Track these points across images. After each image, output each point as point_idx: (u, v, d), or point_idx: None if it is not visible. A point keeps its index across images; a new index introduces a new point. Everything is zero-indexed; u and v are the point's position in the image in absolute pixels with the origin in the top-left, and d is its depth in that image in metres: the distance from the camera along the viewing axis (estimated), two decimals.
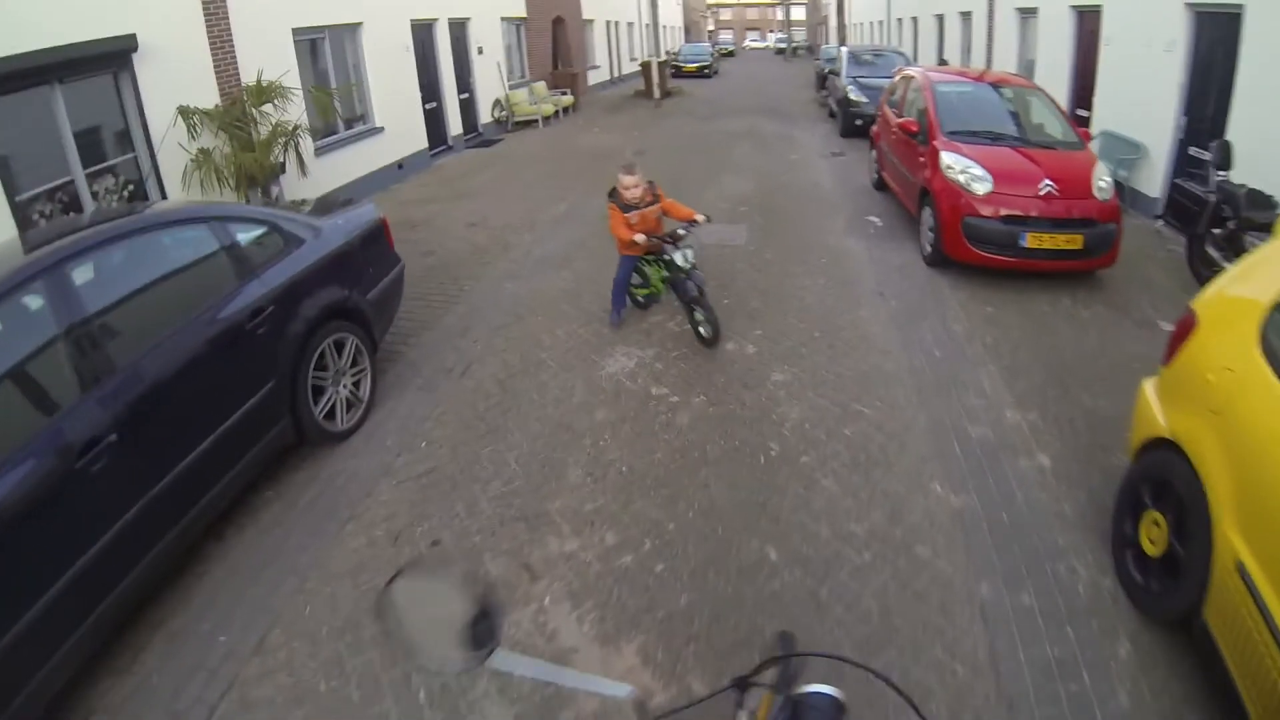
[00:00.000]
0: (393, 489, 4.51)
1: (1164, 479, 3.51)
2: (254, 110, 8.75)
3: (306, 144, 9.87)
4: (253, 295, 4.27)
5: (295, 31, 10.28)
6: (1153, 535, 3.54)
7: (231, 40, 9.00)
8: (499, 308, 7.28)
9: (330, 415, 4.86)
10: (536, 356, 6.21)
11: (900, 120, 9.33)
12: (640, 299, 6.87)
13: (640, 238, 5.89)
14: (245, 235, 4.51)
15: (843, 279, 7.90)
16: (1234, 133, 7.82)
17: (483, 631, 1.11)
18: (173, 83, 8.09)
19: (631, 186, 5.99)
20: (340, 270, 5.00)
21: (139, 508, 3.30)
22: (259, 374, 4.21)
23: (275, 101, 8.94)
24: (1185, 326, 3.68)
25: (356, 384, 5.12)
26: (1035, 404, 5.42)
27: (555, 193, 11.72)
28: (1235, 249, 6.77)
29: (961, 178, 7.53)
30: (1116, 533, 3.88)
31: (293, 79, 9.64)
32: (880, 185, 11.06)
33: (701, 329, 6.16)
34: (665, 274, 6.23)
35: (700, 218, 6.08)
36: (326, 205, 6.21)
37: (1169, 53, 9.21)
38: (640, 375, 5.96)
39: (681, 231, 6.01)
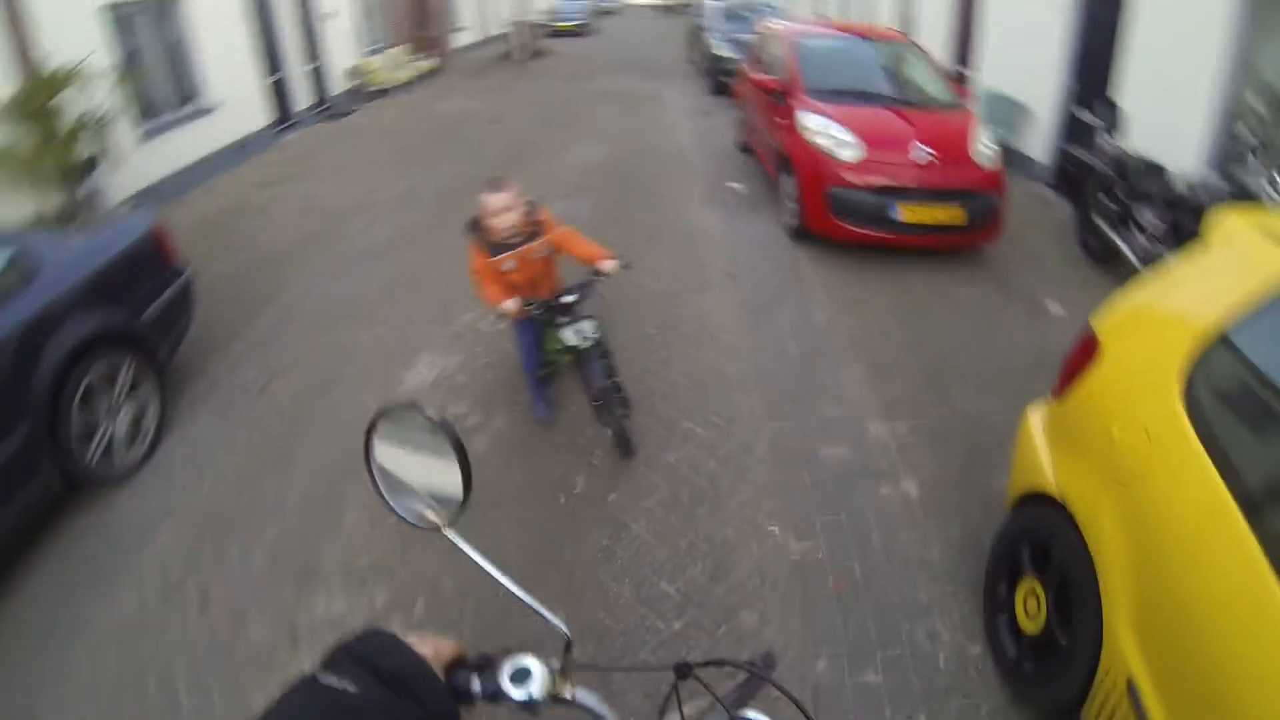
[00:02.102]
0: (171, 534, 4.11)
1: (1046, 544, 2.89)
2: (49, 101, 7.87)
3: (125, 132, 9.10)
4: None
5: (107, 8, 9.27)
6: (1030, 609, 2.93)
7: (29, 22, 8.00)
8: (313, 310, 6.66)
9: (109, 454, 4.45)
10: (338, 369, 5.64)
11: (758, 77, 8.70)
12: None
13: (510, 304, 4.03)
14: None
15: (691, 259, 7.23)
16: (1124, 94, 7.50)
17: (449, 501, 1.17)
18: None
19: (500, 212, 4.02)
20: (102, 294, 4.58)
21: None
22: (1, 425, 3.80)
23: (74, 89, 8.07)
24: (1084, 352, 2.97)
25: (138, 416, 4.70)
26: (905, 412, 4.83)
27: (400, 169, 10.98)
28: (1126, 221, 6.44)
29: (825, 142, 6.94)
30: (989, 593, 3.28)
31: (103, 60, 8.80)
32: (746, 148, 10.48)
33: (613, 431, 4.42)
34: (560, 346, 4.28)
35: (608, 264, 4.15)
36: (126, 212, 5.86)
37: (1055, 9, 8.88)
38: (439, 390, 5.30)
39: (567, 299, 4.09)
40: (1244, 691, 1.88)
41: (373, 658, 0.87)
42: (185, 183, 10.27)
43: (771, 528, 3.92)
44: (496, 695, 0.99)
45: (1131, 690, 2.19)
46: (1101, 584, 2.44)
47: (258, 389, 5.40)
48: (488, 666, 1.01)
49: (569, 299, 4.08)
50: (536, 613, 1.10)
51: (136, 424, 4.68)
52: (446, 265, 7.12)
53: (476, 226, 4.16)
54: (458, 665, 1.01)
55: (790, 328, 5.90)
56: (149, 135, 9.87)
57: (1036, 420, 3.24)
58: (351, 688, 0.82)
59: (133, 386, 4.65)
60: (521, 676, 1.00)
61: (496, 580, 1.12)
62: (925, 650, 3.23)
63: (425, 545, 3.88)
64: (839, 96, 7.59)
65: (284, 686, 0.83)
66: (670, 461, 4.41)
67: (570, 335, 4.09)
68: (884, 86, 8.01)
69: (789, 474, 4.31)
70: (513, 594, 1.11)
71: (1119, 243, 6.42)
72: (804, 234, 7.33)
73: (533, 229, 4.18)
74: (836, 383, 5.17)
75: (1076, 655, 2.54)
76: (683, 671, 1.13)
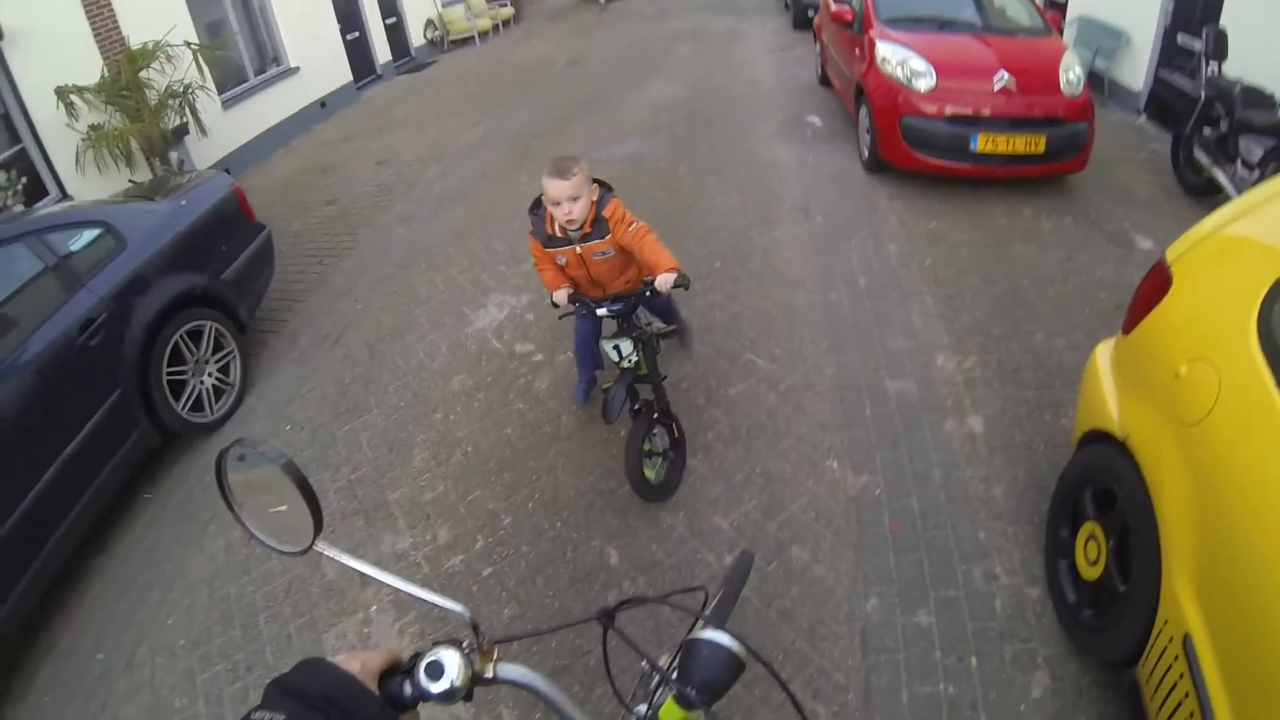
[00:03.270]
0: None
1: (1109, 488, 2.64)
2: (135, 77, 8.12)
3: (208, 101, 9.29)
4: (80, 308, 4.01)
5: None
6: (1091, 554, 2.71)
7: (111, 4, 8.33)
8: (387, 257, 6.79)
9: (199, 407, 4.68)
10: (410, 314, 5.73)
11: (835, 8, 8.24)
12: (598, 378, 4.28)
13: (559, 295, 3.48)
14: (71, 241, 4.27)
15: (763, 194, 6.93)
16: (1229, 18, 6.77)
17: (304, 518, 1.08)
18: (49, 63, 7.52)
19: (563, 200, 3.21)
20: (185, 257, 4.76)
21: None
22: (100, 388, 4.03)
23: (157, 64, 8.32)
24: (1154, 284, 2.66)
25: (225, 369, 4.91)
26: (975, 346, 4.55)
27: (475, 116, 10.93)
28: (1228, 153, 5.88)
29: (899, 72, 6.51)
30: (1051, 536, 3.05)
31: (186, 33, 9.00)
32: (825, 81, 9.98)
33: (647, 469, 3.54)
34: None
35: (662, 277, 3.20)
36: (199, 176, 5.81)
37: None
38: (507, 330, 5.31)
39: (603, 311, 3.43)
40: None
41: (301, 685, 0.87)
42: (269, 144, 10.50)
43: (830, 463, 3.75)
44: (424, 695, 0.95)
45: (1188, 648, 1.98)
46: (1161, 531, 2.21)
47: (333, 340, 5.52)
48: (415, 668, 0.97)
49: (604, 311, 3.42)
50: (427, 601, 1.06)
51: (223, 377, 4.85)
52: (517, 207, 6.98)
53: (537, 208, 3.47)
54: (391, 672, 0.98)
55: (860, 260, 5.62)
56: (232, 101, 10.07)
57: (1104, 356, 2.96)
58: (280, 717, 0.82)
59: (217, 344, 4.82)
60: (436, 671, 0.96)
61: (393, 584, 1.07)
62: (981, 592, 3.05)
63: (489, 481, 3.99)
64: (917, 25, 7.13)
65: None
66: (731, 395, 4.27)
67: (608, 349, 3.49)
68: (966, 13, 7.44)
69: (851, 408, 4.11)
70: (401, 590, 1.07)
71: (1219, 176, 5.88)
72: (880, 166, 6.95)
73: (593, 223, 3.36)
74: (905, 316, 4.90)
75: (1134, 608, 2.32)
76: (607, 617, 1.10)
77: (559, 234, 3.40)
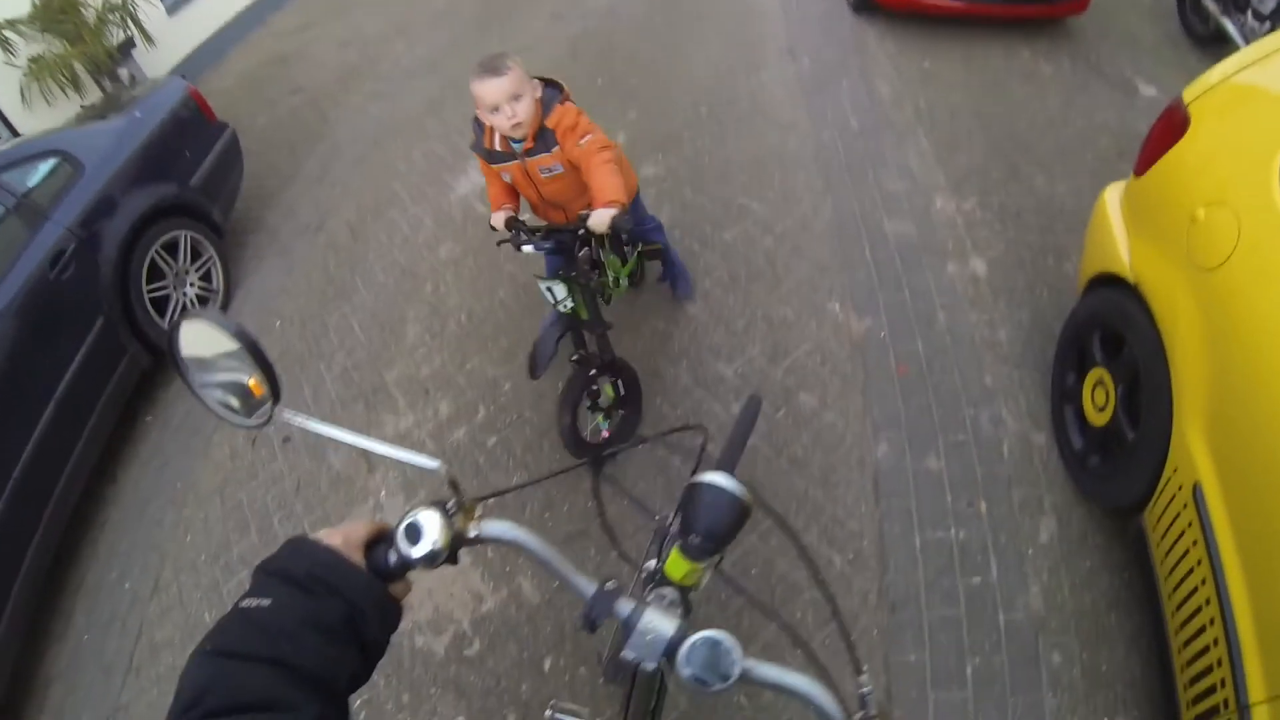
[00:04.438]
0: None
1: (1118, 332, 2.54)
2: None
3: (151, 9, 8.40)
4: (47, 242, 3.78)
5: None
6: (1098, 400, 2.63)
7: None
8: (361, 137, 6.30)
9: None
10: (390, 189, 5.40)
11: None
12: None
13: (495, 219, 2.93)
14: (28, 177, 3.99)
15: (746, 38, 6.51)
16: None
17: (261, 390, 1.01)
18: None
19: (502, 103, 2.54)
20: (148, 169, 4.48)
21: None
22: (82, 319, 3.85)
23: None
24: (1170, 125, 2.51)
25: (207, 276, 4.68)
26: (974, 189, 4.37)
27: None
28: (1239, 2, 5.55)
29: None
30: (1057, 382, 2.98)
31: None
32: None
33: (588, 422, 3.11)
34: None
35: (598, 214, 2.55)
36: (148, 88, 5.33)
37: None
38: None
39: (529, 247, 2.84)
40: None
41: (285, 567, 0.86)
42: (223, 44, 9.66)
43: (832, 305, 3.63)
44: (408, 561, 0.92)
45: (1197, 496, 1.94)
46: (1174, 378, 2.14)
47: (314, 228, 5.19)
48: (397, 534, 0.94)
49: (531, 249, 2.82)
50: (402, 460, 1.00)
51: (206, 285, 4.65)
52: None
53: (479, 121, 2.81)
54: (377, 542, 0.95)
55: (851, 102, 5.32)
56: (177, 6, 9.19)
57: (1114, 198, 2.82)
58: (266, 602, 0.82)
59: (195, 252, 4.58)
60: (414, 534, 0.92)
61: (360, 444, 1.01)
62: (989, 437, 3.00)
63: (486, 347, 3.85)
64: None
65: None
66: (726, 240, 4.09)
67: (543, 288, 2.88)
68: None
69: (850, 250, 3.96)
70: (370, 450, 1.01)
71: (1226, 23, 5.58)
72: (868, 7, 6.54)
73: (535, 134, 2.68)
74: (901, 157, 4.68)
75: (1143, 454, 2.27)
76: (596, 460, 1.15)
77: (500, 147, 2.78)
